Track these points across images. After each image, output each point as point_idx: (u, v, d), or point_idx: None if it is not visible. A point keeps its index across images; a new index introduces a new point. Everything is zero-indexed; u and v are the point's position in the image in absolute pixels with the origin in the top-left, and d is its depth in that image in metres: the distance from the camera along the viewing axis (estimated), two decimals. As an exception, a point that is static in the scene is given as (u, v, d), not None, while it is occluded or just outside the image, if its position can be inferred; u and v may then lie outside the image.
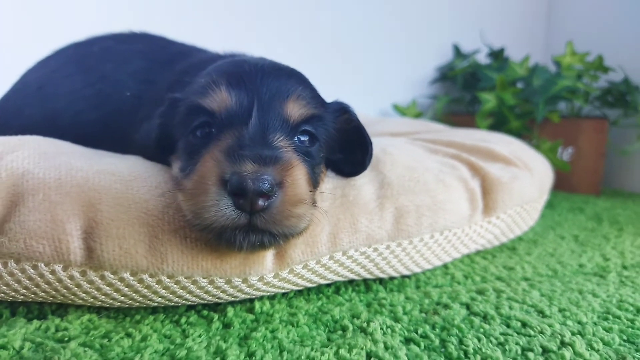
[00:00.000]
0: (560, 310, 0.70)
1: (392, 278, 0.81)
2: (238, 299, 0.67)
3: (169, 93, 0.76)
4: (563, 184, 1.71)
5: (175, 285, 0.61)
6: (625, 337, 0.63)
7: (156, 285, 0.60)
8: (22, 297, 0.60)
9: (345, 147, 0.74)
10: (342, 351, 0.56)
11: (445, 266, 0.88)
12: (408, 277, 0.82)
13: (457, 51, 2.04)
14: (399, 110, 1.97)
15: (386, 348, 0.57)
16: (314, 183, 0.65)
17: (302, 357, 0.54)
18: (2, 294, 0.59)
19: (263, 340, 0.58)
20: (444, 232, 0.79)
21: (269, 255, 0.64)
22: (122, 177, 0.63)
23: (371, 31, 2.00)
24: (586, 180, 1.73)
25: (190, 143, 0.63)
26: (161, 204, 0.61)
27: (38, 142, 0.69)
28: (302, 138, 0.65)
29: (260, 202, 0.53)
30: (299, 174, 0.57)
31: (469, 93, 1.96)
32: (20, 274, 0.57)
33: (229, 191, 0.52)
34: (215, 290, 0.63)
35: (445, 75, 2.05)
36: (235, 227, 0.54)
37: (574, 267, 0.91)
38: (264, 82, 0.63)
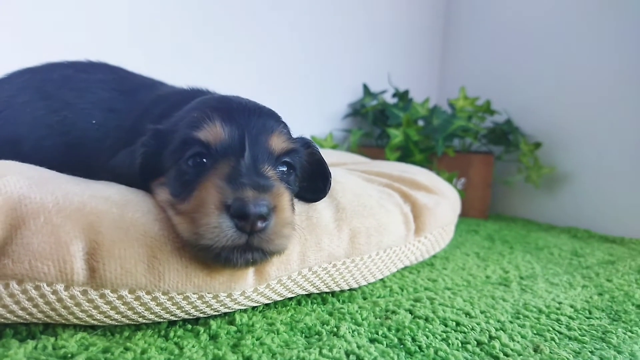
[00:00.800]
0: (482, 312, 0.86)
1: (342, 291, 0.92)
2: (219, 313, 0.74)
3: (138, 129, 0.82)
4: (458, 210, 1.97)
5: (168, 302, 0.66)
6: (535, 331, 0.79)
7: (151, 302, 0.65)
8: (15, 318, 0.61)
9: (308, 176, 0.85)
10: (325, 351, 0.65)
11: (382, 280, 1.01)
12: (355, 289, 0.94)
13: (367, 90, 2.26)
14: (316, 142, 2.12)
15: (358, 347, 0.68)
16: (292, 207, 0.75)
17: (294, 358, 0.63)
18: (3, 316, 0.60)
19: (253, 347, 0.66)
20: (386, 250, 0.92)
21: (250, 272, 0.72)
22: (116, 202, 0.67)
23: (292, 68, 2.15)
24: (476, 206, 2.00)
25: (182, 171, 0.70)
26: (157, 226, 0.66)
27: (17, 167, 0.70)
28: (282, 168, 0.75)
29: (259, 224, 0.61)
30: (287, 200, 0.67)
31: (378, 128, 2.17)
32: (21, 295, 0.59)
33: (231, 214, 0.60)
34: (202, 305, 0.69)
35: (357, 111, 2.25)
36: (234, 247, 0.62)
37: (482, 278, 1.10)
38: (251, 118, 0.72)
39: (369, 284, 0.97)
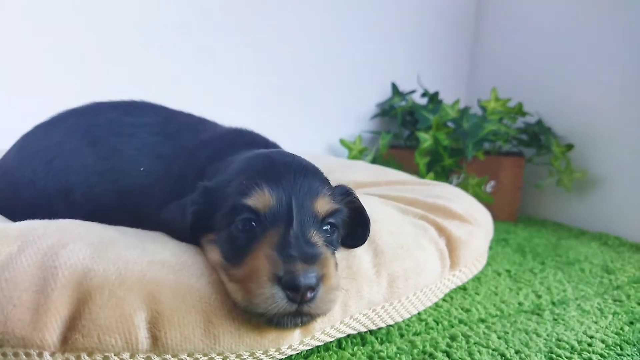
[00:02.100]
0: (516, 352, 0.89)
1: (379, 328, 0.96)
2: (267, 364, 0.78)
3: (184, 176, 0.85)
4: (488, 213, 1.97)
5: (222, 360, 0.71)
6: (568, 376, 0.82)
7: (207, 363, 0.70)
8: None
9: (348, 224, 0.88)
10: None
11: (418, 313, 1.04)
12: (392, 325, 0.97)
13: (396, 89, 2.25)
14: (345, 145, 2.14)
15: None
16: (336, 266, 0.78)
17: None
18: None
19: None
20: (423, 289, 0.95)
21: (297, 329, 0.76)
22: (172, 267, 0.71)
23: (319, 67, 2.15)
24: (506, 210, 2.00)
25: (233, 235, 0.73)
26: (209, 290, 0.70)
27: (77, 229, 0.75)
28: (326, 228, 0.78)
29: (309, 295, 0.65)
30: (332, 266, 0.70)
31: (407, 129, 2.17)
32: (91, 364, 0.64)
33: (283, 286, 0.64)
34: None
35: (386, 111, 2.24)
36: (285, 314, 0.66)
37: (515, 305, 1.12)
38: (296, 181, 0.75)
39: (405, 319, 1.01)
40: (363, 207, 0.88)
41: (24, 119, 1.03)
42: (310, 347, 0.83)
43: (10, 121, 1.19)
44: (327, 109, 2.20)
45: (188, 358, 0.68)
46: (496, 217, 1.98)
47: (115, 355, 0.64)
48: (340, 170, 1.51)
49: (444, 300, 1.12)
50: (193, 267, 0.73)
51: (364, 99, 2.28)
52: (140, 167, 0.92)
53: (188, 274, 0.71)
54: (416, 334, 0.95)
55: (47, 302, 0.63)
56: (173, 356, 0.67)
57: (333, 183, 1.37)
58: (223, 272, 0.72)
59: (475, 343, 0.91)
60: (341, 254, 0.87)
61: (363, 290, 0.84)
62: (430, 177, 1.90)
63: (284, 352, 0.76)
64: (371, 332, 0.95)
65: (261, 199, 0.72)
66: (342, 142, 2.15)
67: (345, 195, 0.87)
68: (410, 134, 2.18)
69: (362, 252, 0.89)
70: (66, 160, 0.91)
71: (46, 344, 0.62)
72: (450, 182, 1.98)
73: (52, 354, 0.62)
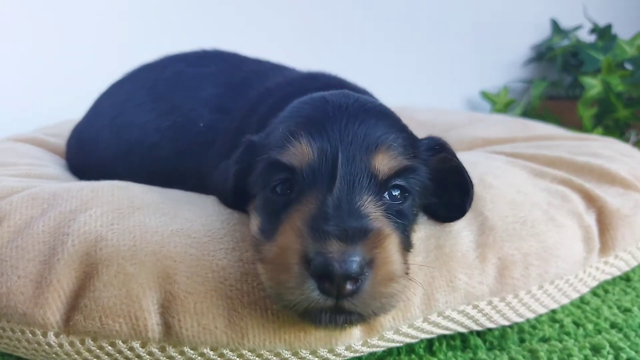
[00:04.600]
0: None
1: (490, 328, 0.72)
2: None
3: (244, 129, 0.71)
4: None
5: (257, 358, 0.56)
6: None
7: (238, 359, 0.56)
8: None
9: (440, 189, 0.65)
10: None
11: (553, 311, 0.77)
12: (510, 327, 0.73)
13: (556, 26, 1.83)
14: (488, 98, 1.81)
15: None
16: (407, 246, 0.57)
17: None
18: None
19: None
20: (554, 282, 0.69)
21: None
22: (198, 239, 0.58)
23: (453, 7, 1.83)
24: None
25: (269, 200, 0.57)
26: (239, 270, 0.56)
27: (112, 192, 0.66)
28: (394, 193, 0.57)
29: (349, 287, 0.46)
30: (392, 248, 0.50)
31: (570, 75, 1.75)
32: (98, 351, 0.54)
33: (311, 273, 0.46)
34: (299, 360, 0.58)
35: (542, 55, 1.84)
36: (321, 310, 0.48)
37: None
38: (348, 128, 0.55)
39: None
40: (462, 166, 0.65)
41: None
42: (381, 349, 0.64)
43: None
44: (464, 56, 1.87)
45: (212, 352, 0.55)
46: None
47: (123, 342, 0.54)
48: (466, 126, 1.24)
49: (594, 293, 0.83)
50: (225, 240, 0.59)
51: (512, 42, 1.89)
52: (200, 123, 0.80)
53: (215, 249, 0.57)
54: (543, 339, 0.70)
55: (50, 274, 0.54)
56: (192, 349, 0.54)
57: (453, 140, 1.12)
58: (254, 249, 0.56)
59: (628, 359, 0.63)
60: (430, 229, 0.66)
61: (458, 279, 0.62)
62: (598, 133, 1.49)
63: (340, 354, 0.59)
64: (479, 333, 0.72)
65: (298, 152, 0.54)
66: (484, 94, 1.83)
67: (436, 149, 0.64)
68: (574, 82, 1.75)
69: (461, 228, 0.66)
70: (129, 118, 0.84)
71: (49, 322, 0.54)
72: (627, 140, 1.54)
73: (57, 335, 0.54)
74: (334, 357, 0.58)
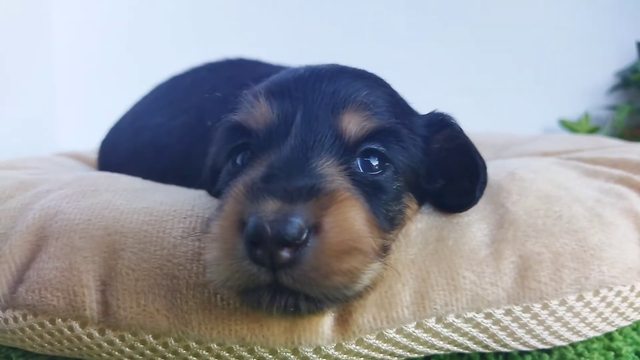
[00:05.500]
0: None
1: (522, 353, 0.58)
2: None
3: None
4: None
5: (206, 353, 0.48)
6: None
7: (184, 352, 0.48)
8: (50, 351, 0.53)
9: (447, 172, 0.55)
10: None
11: (608, 335, 0.60)
12: (548, 351, 0.58)
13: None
14: (566, 126, 1.63)
15: None
16: (386, 225, 0.47)
17: None
18: (32, 347, 0.53)
19: None
20: (600, 292, 0.53)
21: (326, 321, 0.48)
22: (158, 217, 0.53)
23: (531, 32, 1.70)
24: None
25: (230, 173, 0.51)
26: (192, 250, 0.49)
27: (96, 178, 0.64)
28: (371, 162, 0.48)
29: (285, 254, 0.38)
30: (349, 212, 0.41)
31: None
32: (40, 329, 0.50)
33: (244, 239, 0.39)
34: (257, 361, 0.49)
35: (628, 80, 1.64)
36: (257, 287, 0.40)
37: None
38: (315, 87, 0.49)
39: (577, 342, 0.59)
40: (471, 144, 0.55)
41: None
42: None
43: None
44: (541, 82, 1.71)
45: (154, 341, 0.48)
46: None
47: (63, 321, 0.49)
48: (525, 143, 1.09)
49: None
50: (187, 220, 0.53)
51: (594, 67, 1.71)
52: (209, 121, 0.77)
53: (173, 227, 0.52)
54: (590, 371, 0.54)
55: (4, 246, 0.52)
56: (132, 334, 0.48)
57: (510, 154, 1.00)
58: (206, 228, 0.50)
59: None
60: (433, 220, 0.55)
61: (461, 276, 0.50)
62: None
63: (310, 359, 0.49)
64: (506, 356, 0.58)
65: (256, 112, 0.49)
66: (563, 122, 1.65)
67: (440, 125, 0.55)
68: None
69: (473, 220, 0.55)
70: (145, 121, 0.84)
71: (-4, 294, 0.50)
72: None
73: (3, 309, 0.51)
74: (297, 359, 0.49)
